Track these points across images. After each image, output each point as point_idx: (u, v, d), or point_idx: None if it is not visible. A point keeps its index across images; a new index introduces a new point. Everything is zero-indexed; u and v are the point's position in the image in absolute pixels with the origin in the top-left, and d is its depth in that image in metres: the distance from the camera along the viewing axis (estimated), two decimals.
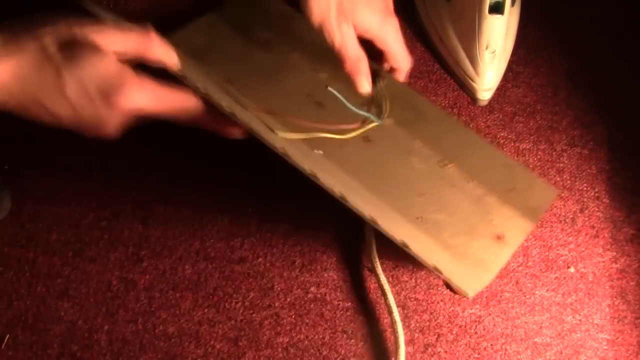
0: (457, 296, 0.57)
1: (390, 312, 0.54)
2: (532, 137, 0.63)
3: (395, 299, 0.56)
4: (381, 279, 0.55)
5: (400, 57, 0.54)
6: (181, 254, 0.58)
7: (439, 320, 0.56)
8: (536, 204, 0.52)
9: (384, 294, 0.54)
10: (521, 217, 0.51)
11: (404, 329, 0.55)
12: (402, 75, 0.56)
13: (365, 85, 0.52)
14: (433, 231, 0.49)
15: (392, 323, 0.53)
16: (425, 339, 0.56)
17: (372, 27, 0.51)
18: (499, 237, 0.51)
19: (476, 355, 0.55)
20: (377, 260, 0.55)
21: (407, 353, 0.55)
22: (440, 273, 0.47)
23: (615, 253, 0.59)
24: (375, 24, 0.51)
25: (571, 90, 0.64)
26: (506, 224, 0.51)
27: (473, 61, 0.61)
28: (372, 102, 0.54)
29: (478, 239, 0.50)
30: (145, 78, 0.44)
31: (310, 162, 0.49)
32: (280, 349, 0.55)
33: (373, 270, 0.56)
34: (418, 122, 0.54)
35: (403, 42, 0.54)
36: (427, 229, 0.49)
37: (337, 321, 0.56)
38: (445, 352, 0.55)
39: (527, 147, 0.62)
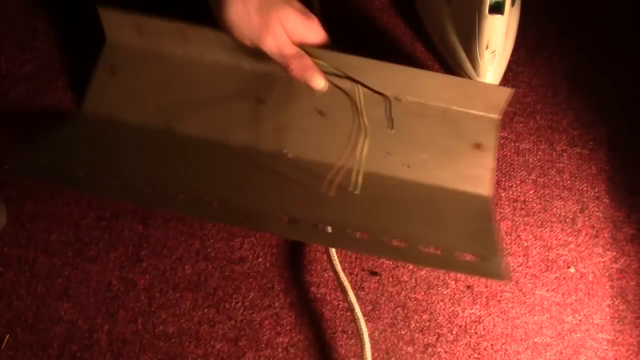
0: (456, 296, 0.57)
1: (352, 310, 0.54)
2: (532, 137, 0.63)
3: (395, 298, 0.56)
4: (341, 277, 0.55)
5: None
6: (181, 254, 0.58)
7: (439, 320, 0.56)
8: (496, 102, 0.58)
9: (343, 291, 0.54)
10: (487, 115, 0.59)
11: (404, 329, 0.55)
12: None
13: (319, 81, 0.52)
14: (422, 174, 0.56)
15: (355, 319, 0.53)
16: (425, 339, 0.56)
17: (295, 33, 0.51)
18: (478, 146, 0.58)
19: (476, 355, 0.55)
20: (335, 259, 0.56)
21: (407, 353, 0.55)
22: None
23: (615, 253, 0.59)
24: (298, 30, 0.51)
25: (571, 90, 0.64)
26: (477, 127, 0.58)
27: (473, 61, 0.60)
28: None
29: (461, 158, 0.57)
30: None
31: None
32: (280, 349, 0.55)
33: (333, 271, 0.55)
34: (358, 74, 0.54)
35: (326, 36, 0.54)
36: (416, 173, 0.57)
37: (337, 321, 0.56)
38: (445, 352, 0.55)
39: (527, 147, 0.62)
